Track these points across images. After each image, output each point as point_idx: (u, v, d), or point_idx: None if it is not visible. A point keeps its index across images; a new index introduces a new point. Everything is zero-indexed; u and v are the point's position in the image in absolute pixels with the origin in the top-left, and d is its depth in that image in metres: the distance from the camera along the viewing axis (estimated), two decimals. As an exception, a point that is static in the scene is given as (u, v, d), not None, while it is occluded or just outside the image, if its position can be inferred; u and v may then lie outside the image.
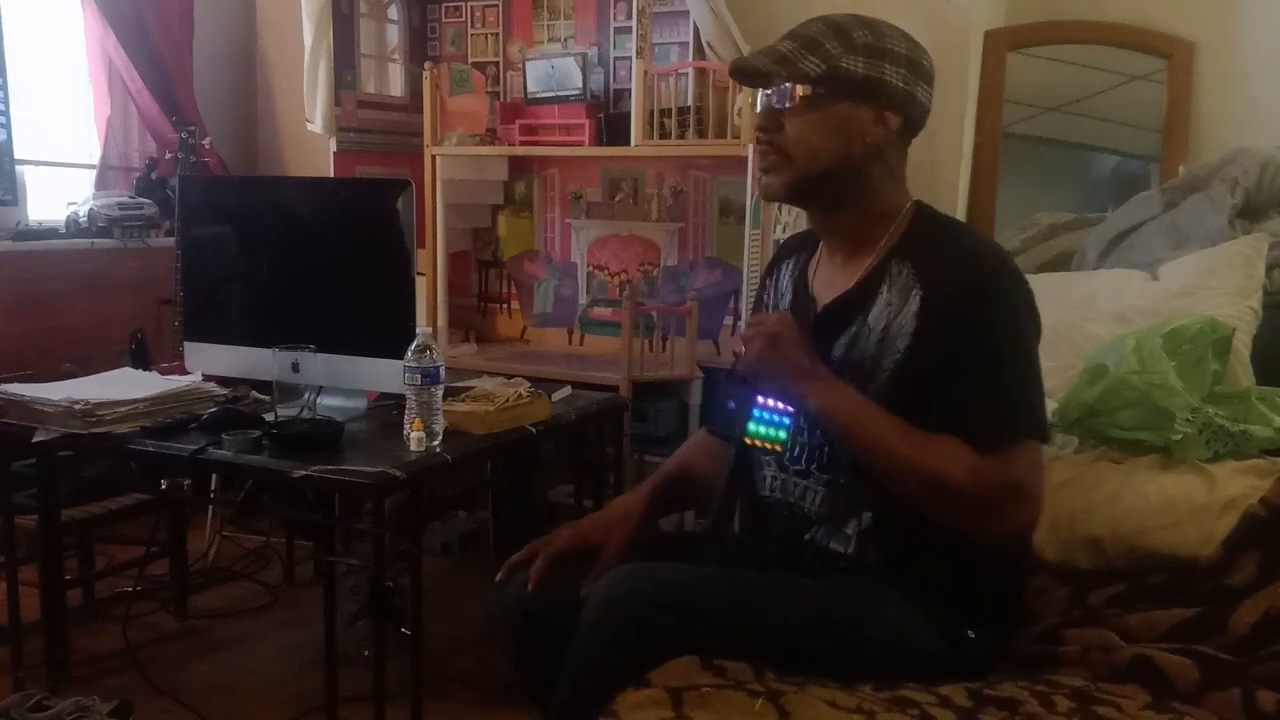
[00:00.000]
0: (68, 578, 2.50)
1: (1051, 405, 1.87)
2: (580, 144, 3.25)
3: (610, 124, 3.29)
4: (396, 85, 3.67)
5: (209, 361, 2.40)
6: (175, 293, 2.90)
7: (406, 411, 1.96)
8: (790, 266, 1.60)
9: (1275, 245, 2.26)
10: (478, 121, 3.39)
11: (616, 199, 3.48)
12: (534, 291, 3.66)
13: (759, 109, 1.45)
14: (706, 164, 3.29)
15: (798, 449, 1.48)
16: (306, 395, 2.13)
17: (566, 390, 2.46)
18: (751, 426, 1.43)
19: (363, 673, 1.99)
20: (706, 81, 3.07)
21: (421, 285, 3.25)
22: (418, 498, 1.99)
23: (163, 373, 2.45)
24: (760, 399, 1.42)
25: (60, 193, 3.43)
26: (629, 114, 3.12)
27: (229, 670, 2.53)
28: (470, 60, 3.60)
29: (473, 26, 3.62)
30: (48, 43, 3.44)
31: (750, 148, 2.88)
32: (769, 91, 1.43)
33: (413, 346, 1.92)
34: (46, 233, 3.24)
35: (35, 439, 2.05)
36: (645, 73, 3.06)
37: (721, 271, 3.33)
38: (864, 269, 1.45)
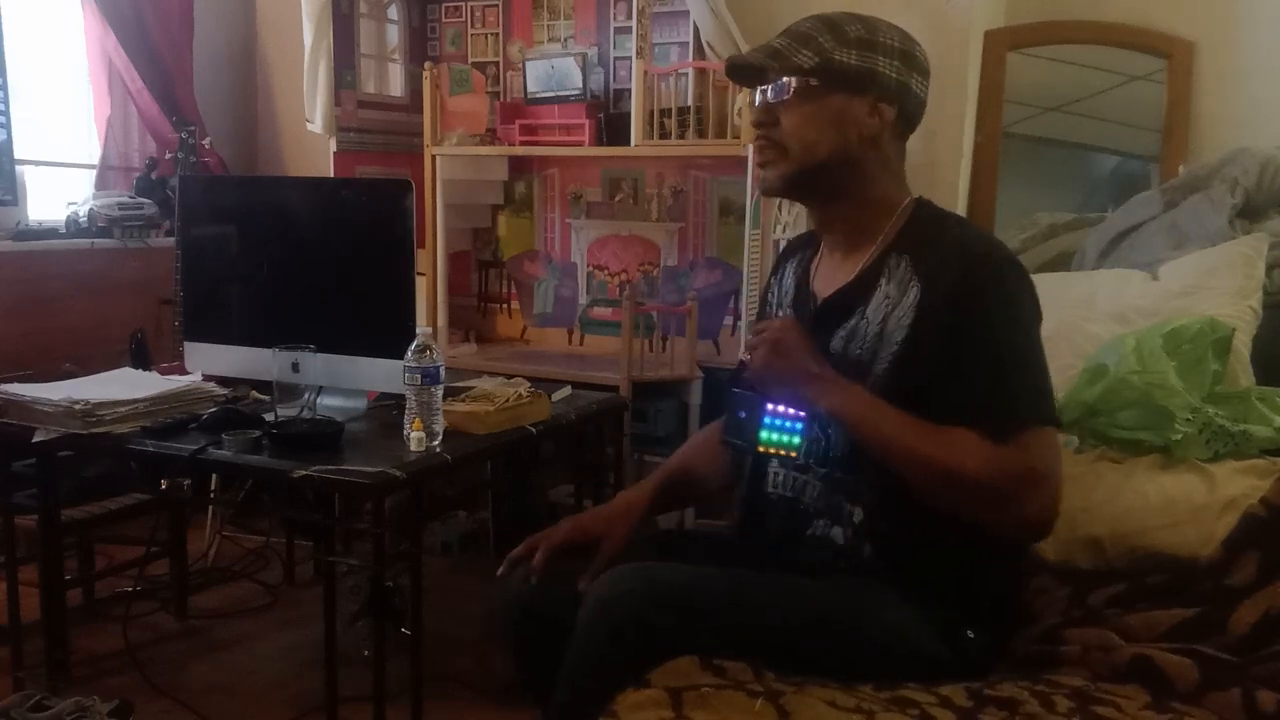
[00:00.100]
0: (68, 578, 2.50)
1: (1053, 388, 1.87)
2: (580, 144, 3.25)
3: (610, 124, 3.29)
4: (396, 85, 3.67)
5: (209, 361, 2.40)
6: (175, 293, 2.90)
7: (406, 411, 1.96)
8: (794, 265, 1.62)
9: (1275, 245, 2.26)
10: (478, 121, 3.39)
11: (616, 199, 3.48)
12: (534, 291, 3.66)
13: (755, 103, 1.47)
14: (706, 164, 3.29)
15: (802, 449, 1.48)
16: (306, 395, 2.13)
17: (566, 390, 2.46)
18: (764, 434, 1.43)
19: (363, 673, 1.99)
20: (706, 81, 3.07)
21: (421, 285, 3.25)
22: (418, 498, 1.99)
23: (163, 373, 2.45)
24: (771, 406, 1.42)
25: (60, 193, 3.43)
26: (629, 114, 3.12)
27: (229, 670, 2.53)
28: (470, 60, 3.60)
29: (473, 26, 3.62)
30: (48, 43, 3.44)
31: (750, 148, 2.88)
32: (764, 88, 1.44)
33: (413, 346, 1.92)
34: (46, 233, 3.24)
35: (35, 439, 2.05)
36: (645, 73, 3.06)
37: (721, 271, 3.33)
38: (863, 263, 1.45)
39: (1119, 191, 2.89)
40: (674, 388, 3.09)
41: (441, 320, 3.42)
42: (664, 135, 3.13)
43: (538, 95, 3.35)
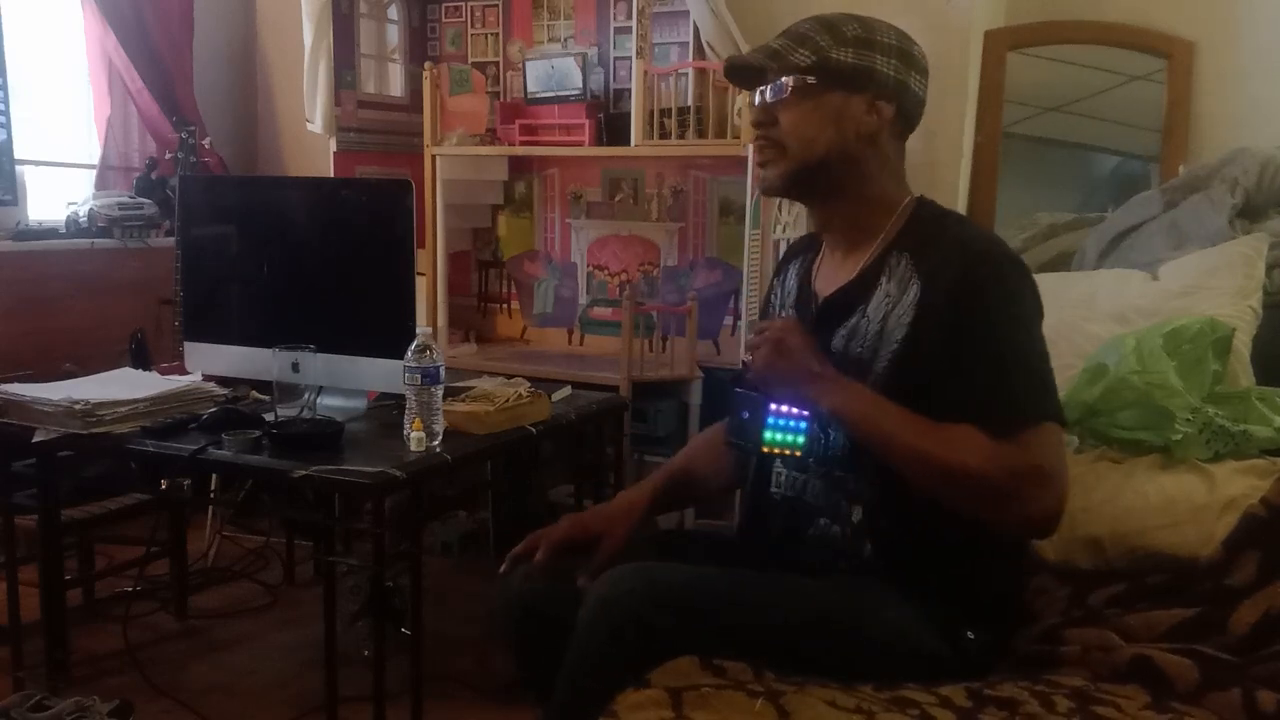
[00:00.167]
0: (68, 578, 2.50)
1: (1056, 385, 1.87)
2: (580, 144, 3.25)
3: (610, 124, 3.29)
4: (396, 85, 3.67)
5: (209, 361, 2.40)
6: (175, 293, 2.90)
7: (406, 411, 1.96)
8: (796, 267, 1.62)
9: (1275, 245, 2.26)
10: (478, 121, 3.39)
11: (616, 199, 3.48)
12: (534, 291, 3.66)
13: (755, 103, 1.47)
14: (706, 164, 3.29)
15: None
16: (306, 395, 2.13)
17: (566, 390, 2.46)
18: (768, 435, 1.42)
19: (363, 673, 1.99)
20: (706, 81, 3.07)
21: (421, 285, 3.25)
22: (418, 498, 1.99)
23: (163, 373, 2.45)
24: (774, 406, 1.42)
25: (60, 193, 3.43)
26: (629, 114, 3.13)
27: (229, 670, 2.53)
28: (470, 60, 3.60)
29: (473, 26, 3.62)
30: (48, 43, 3.44)
31: (750, 148, 2.88)
32: (763, 88, 1.44)
33: (413, 346, 1.92)
34: (46, 233, 3.24)
35: (35, 439, 2.05)
36: (645, 73, 3.06)
37: (721, 271, 3.33)
38: (864, 262, 1.46)
39: (1119, 191, 2.89)
40: (674, 388, 3.09)
41: (441, 320, 3.42)
42: (664, 135, 3.13)
43: (538, 95, 3.35)
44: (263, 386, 2.25)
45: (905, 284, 1.39)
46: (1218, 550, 1.58)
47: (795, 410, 1.41)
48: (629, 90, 3.17)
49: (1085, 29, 2.99)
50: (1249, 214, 2.42)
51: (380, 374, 2.15)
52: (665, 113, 3.12)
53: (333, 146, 3.41)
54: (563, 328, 3.63)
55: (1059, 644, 1.49)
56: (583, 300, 3.58)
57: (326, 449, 1.96)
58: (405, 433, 1.95)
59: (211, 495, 3.06)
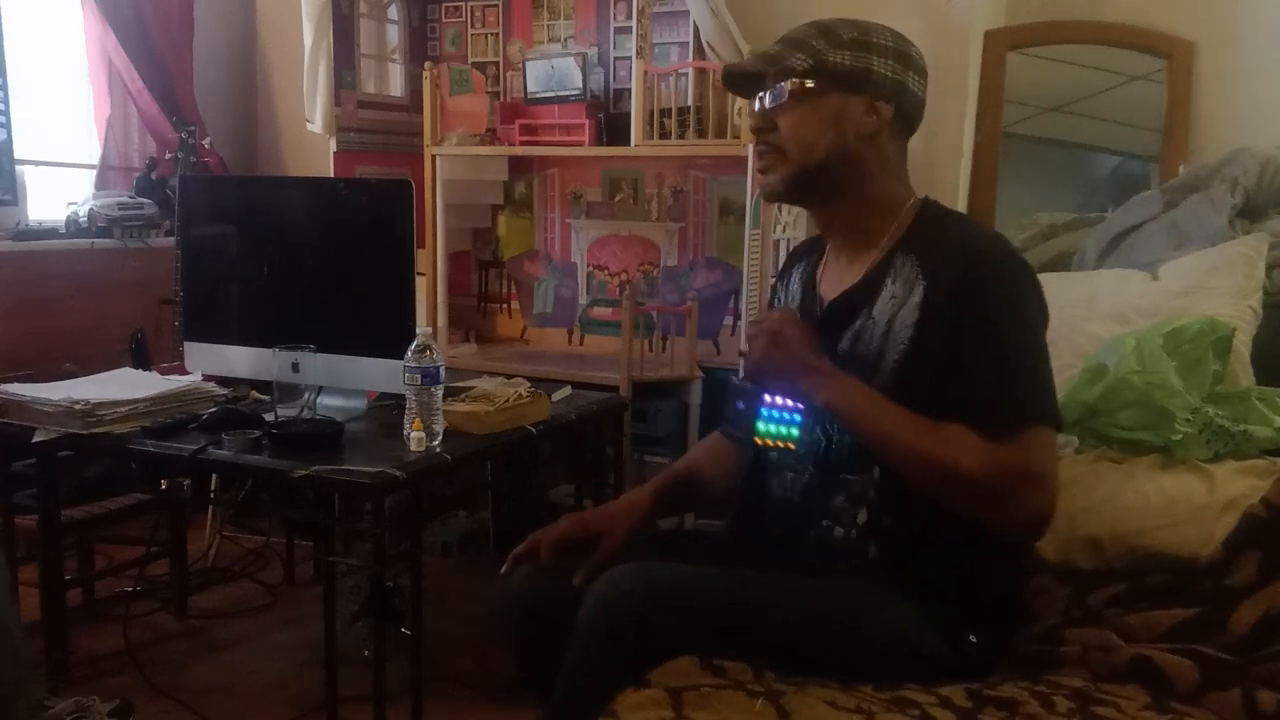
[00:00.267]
0: (68, 578, 2.50)
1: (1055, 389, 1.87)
2: (580, 144, 3.25)
3: (610, 124, 3.29)
4: (396, 85, 3.67)
5: (209, 361, 2.40)
6: (175, 293, 2.90)
7: (406, 411, 1.96)
8: (800, 270, 1.62)
9: (1275, 245, 2.26)
10: (478, 121, 3.39)
11: (616, 199, 3.48)
12: (534, 291, 3.66)
13: (754, 110, 1.47)
14: (706, 164, 3.29)
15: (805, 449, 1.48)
16: (306, 395, 2.13)
17: (566, 390, 2.46)
18: (760, 426, 1.42)
19: (363, 673, 1.99)
20: (706, 81, 3.08)
21: (421, 285, 3.25)
22: (418, 498, 1.99)
23: (163, 373, 2.45)
24: (768, 398, 1.42)
25: (60, 193, 3.43)
26: (629, 114, 3.13)
27: (229, 670, 2.53)
28: (470, 60, 3.60)
29: (473, 26, 3.62)
30: (48, 43, 3.44)
31: (750, 148, 2.88)
32: (761, 95, 1.45)
33: (413, 346, 1.92)
34: (46, 233, 3.24)
35: (35, 439, 2.05)
36: (645, 73, 3.07)
37: (721, 271, 3.33)
38: (869, 264, 1.45)
39: (1119, 191, 2.89)
40: (674, 388, 3.09)
41: (441, 320, 3.42)
42: (664, 135, 3.13)
43: (538, 95, 3.35)
44: (263, 386, 2.25)
45: (911, 285, 1.39)
46: (1218, 550, 1.58)
47: (790, 403, 1.41)
48: (629, 90, 3.17)
49: (1085, 29, 2.99)
50: (1249, 214, 2.42)
51: (380, 374, 2.15)
52: (665, 113, 3.12)
53: (333, 146, 3.41)
54: (563, 328, 3.63)
55: (1059, 644, 1.49)
56: (583, 300, 3.58)
57: (326, 449, 1.97)
58: (405, 433, 1.95)
59: (211, 495, 3.06)
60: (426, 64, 3.35)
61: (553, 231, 3.60)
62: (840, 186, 1.45)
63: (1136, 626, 1.50)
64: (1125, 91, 2.99)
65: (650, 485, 1.62)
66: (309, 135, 3.48)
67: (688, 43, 3.21)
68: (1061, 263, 2.65)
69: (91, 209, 3.26)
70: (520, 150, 3.39)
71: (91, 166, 3.52)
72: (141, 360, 2.79)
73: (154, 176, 3.45)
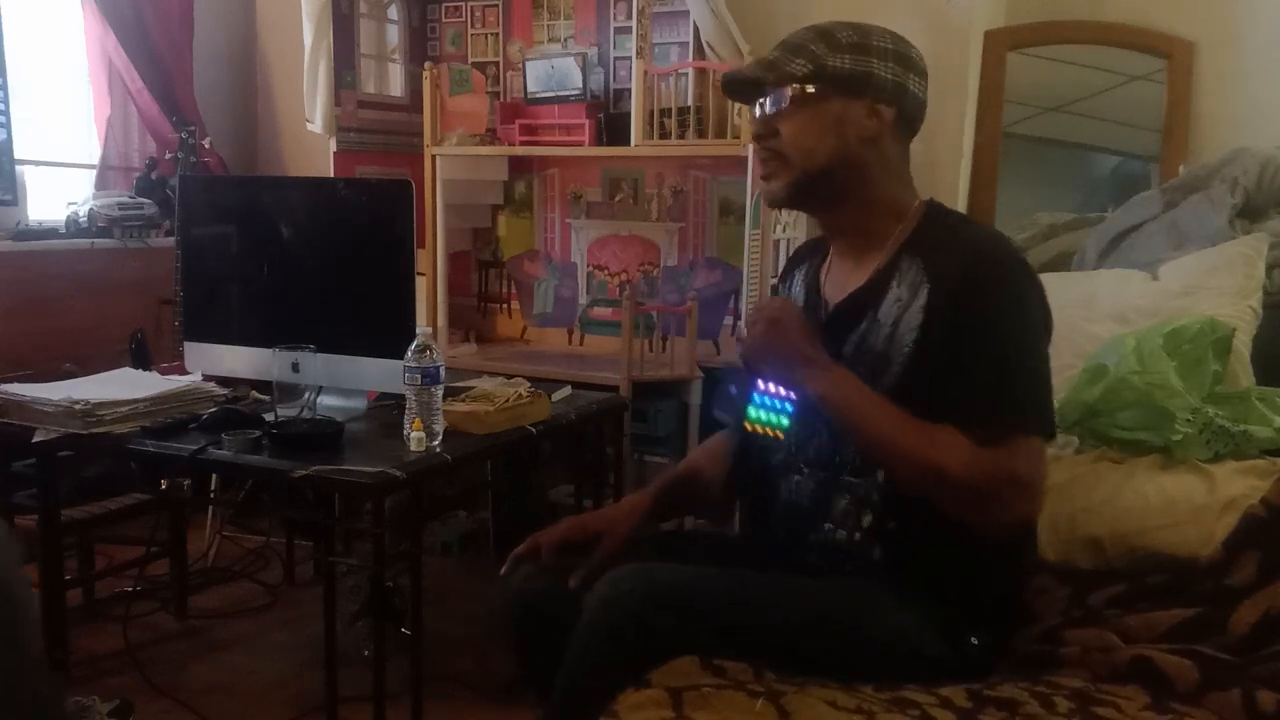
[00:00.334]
0: (68, 578, 2.50)
1: (1053, 398, 1.87)
2: (580, 144, 3.25)
3: (610, 124, 3.29)
4: (396, 85, 3.67)
5: (209, 361, 2.40)
6: (175, 293, 2.90)
7: (406, 411, 1.96)
8: (803, 273, 1.61)
9: (1275, 245, 2.26)
10: (478, 121, 3.39)
11: (616, 199, 3.48)
12: (534, 291, 3.66)
13: (755, 116, 1.47)
14: (706, 164, 3.29)
15: (811, 450, 1.48)
16: (306, 395, 2.13)
17: (566, 390, 2.46)
18: (751, 412, 1.42)
19: (363, 673, 1.99)
20: (706, 81, 3.07)
21: (421, 285, 3.25)
22: (418, 498, 1.99)
23: (163, 373, 2.45)
24: (761, 384, 1.41)
25: (60, 193, 3.43)
26: (629, 114, 3.13)
27: (229, 670, 2.53)
28: (470, 60, 3.60)
29: (473, 26, 3.62)
30: (48, 43, 3.44)
31: (750, 147, 2.88)
32: (762, 101, 1.45)
33: (413, 346, 1.92)
34: (46, 233, 3.24)
35: (35, 439, 2.05)
36: (645, 73, 3.07)
37: (721, 271, 3.33)
38: (874, 267, 1.45)
39: (1119, 191, 2.89)
40: (674, 388, 3.09)
41: (441, 320, 3.42)
42: (664, 135, 3.13)
43: (538, 95, 3.35)
44: (263, 386, 2.25)
45: (916, 288, 1.39)
46: (1218, 550, 1.58)
47: (782, 391, 1.41)
48: (629, 90, 3.17)
49: (1085, 29, 2.99)
50: (1249, 214, 2.42)
51: (380, 374, 2.15)
52: (665, 113, 3.12)
53: (333, 146, 3.41)
54: (563, 328, 3.63)
55: (1059, 645, 1.49)
56: (583, 300, 3.58)
57: (326, 449, 1.96)
58: (405, 433, 1.95)
59: (211, 495, 3.06)
60: (426, 64, 3.35)
61: (553, 231, 3.60)
62: (844, 191, 1.45)
63: (1136, 627, 1.50)
64: (1125, 91, 2.99)
65: (652, 488, 1.62)
66: (309, 135, 3.48)
67: (688, 43, 3.21)
68: (1061, 263, 2.65)
69: (91, 209, 3.26)
70: (520, 150, 3.39)
71: (91, 166, 3.52)
72: (141, 360, 2.79)
73: (154, 176, 3.45)
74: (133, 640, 2.50)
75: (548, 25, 3.50)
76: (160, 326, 3.13)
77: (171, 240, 3.05)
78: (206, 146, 3.37)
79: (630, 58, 3.19)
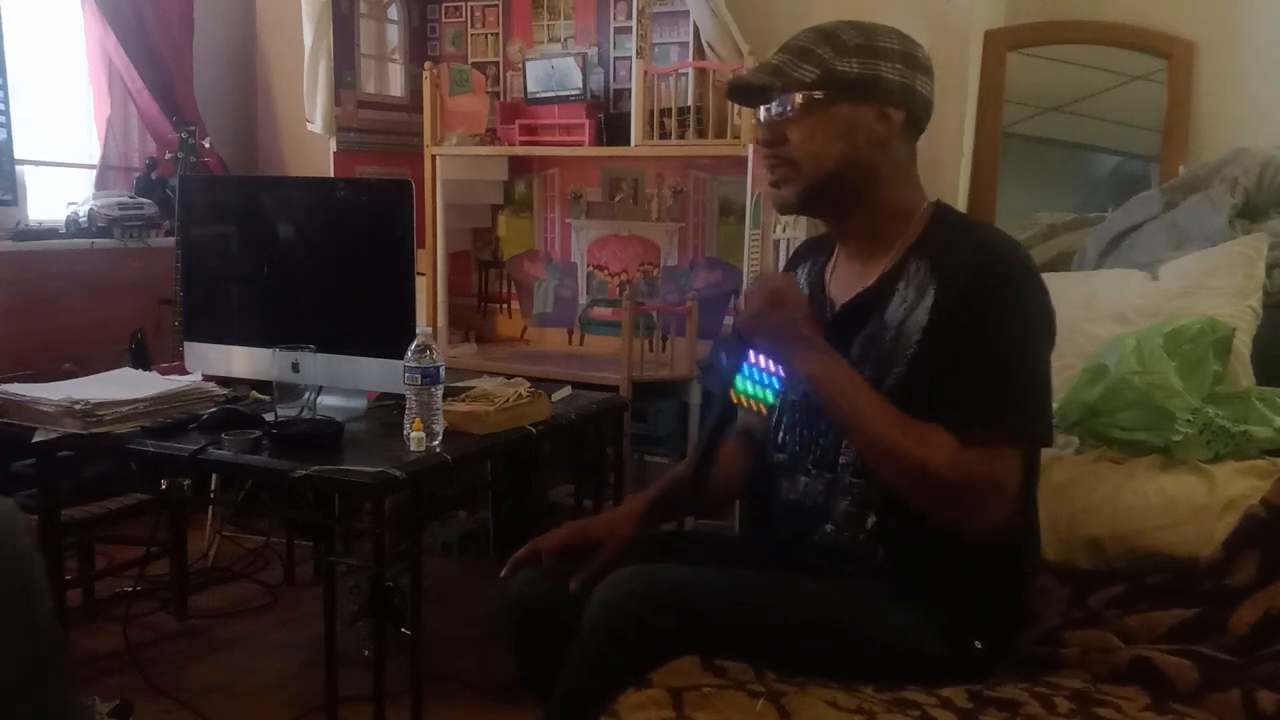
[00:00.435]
0: (68, 578, 2.50)
1: (1052, 405, 1.87)
2: (580, 144, 3.25)
3: (610, 124, 3.29)
4: (396, 85, 3.67)
5: (209, 361, 2.40)
6: (175, 293, 2.90)
7: (406, 411, 1.95)
8: (806, 271, 1.60)
9: (1275, 245, 2.26)
10: (478, 121, 3.39)
11: (616, 199, 3.48)
12: (534, 291, 3.66)
13: (761, 121, 1.46)
14: (706, 164, 3.29)
15: (814, 451, 1.47)
16: (306, 395, 2.13)
17: (566, 390, 2.46)
18: (739, 382, 1.40)
19: (363, 673, 1.99)
20: (706, 81, 3.07)
21: (421, 285, 3.25)
22: (418, 498, 1.99)
23: (163, 373, 2.45)
24: (752, 356, 1.40)
25: (60, 193, 3.43)
26: (629, 114, 3.12)
27: (229, 670, 2.53)
28: (470, 60, 3.60)
29: (473, 26, 3.62)
30: (48, 43, 3.44)
31: (750, 147, 2.88)
32: (769, 105, 1.43)
33: (413, 346, 1.92)
34: (46, 233, 3.24)
35: (35, 439, 2.05)
36: (645, 73, 3.06)
37: (721, 271, 3.33)
38: (882, 269, 1.44)
39: (1119, 191, 2.89)
40: (674, 388, 3.09)
41: (441, 320, 3.42)
42: (664, 135, 3.12)
43: (538, 95, 3.35)
44: (263, 386, 2.25)
45: (923, 289, 1.39)
46: (1218, 551, 1.58)
47: (773, 366, 1.40)
48: (629, 90, 3.17)
49: (1085, 29, 2.99)
50: (1249, 214, 2.42)
51: (380, 374, 2.15)
52: (665, 113, 3.12)
53: (333, 146, 3.41)
54: (563, 328, 3.63)
55: (1059, 645, 1.49)
56: (583, 300, 3.58)
57: (326, 449, 1.96)
58: (405, 433, 1.95)
59: (211, 495, 3.06)
60: (426, 64, 3.35)
61: (553, 231, 3.60)
62: (855, 196, 1.44)
63: (1136, 627, 1.50)
64: (1125, 91, 2.99)
65: (653, 490, 1.61)
66: (309, 135, 3.48)
67: (688, 43, 3.21)
68: (1061, 263, 2.65)
69: (91, 209, 3.26)
70: (520, 150, 3.39)
71: (91, 166, 3.52)
72: (141, 360, 2.78)
73: (154, 176, 3.45)
74: (133, 640, 2.50)
75: (548, 25, 3.50)
76: (160, 326, 3.13)
77: (171, 240, 3.05)
78: (206, 146, 3.37)
79: (630, 58, 3.19)
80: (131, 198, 3.36)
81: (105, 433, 2.02)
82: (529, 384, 2.30)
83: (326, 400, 2.20)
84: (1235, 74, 2.84)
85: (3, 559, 1.59)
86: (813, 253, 1.61)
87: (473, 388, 2.25)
